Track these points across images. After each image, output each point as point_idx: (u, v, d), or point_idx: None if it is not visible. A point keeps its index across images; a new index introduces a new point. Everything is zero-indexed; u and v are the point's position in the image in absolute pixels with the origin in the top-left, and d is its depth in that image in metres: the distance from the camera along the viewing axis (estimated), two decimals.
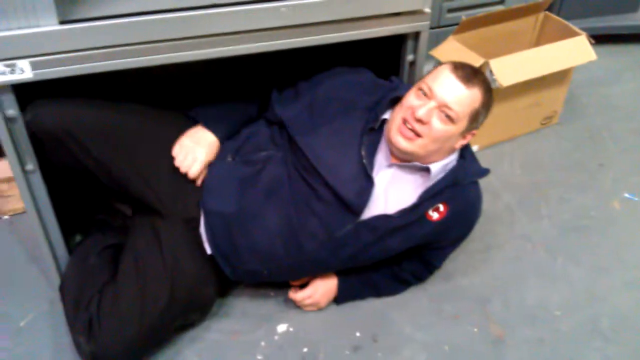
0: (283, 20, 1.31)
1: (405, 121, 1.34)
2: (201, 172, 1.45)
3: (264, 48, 1.34)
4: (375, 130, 1.41)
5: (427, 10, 1.44)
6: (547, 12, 2.27)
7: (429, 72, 1.40)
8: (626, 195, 1.99)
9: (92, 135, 1.35)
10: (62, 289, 1.43)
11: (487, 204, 1.90)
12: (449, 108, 1.31)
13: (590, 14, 2.76)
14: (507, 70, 1.93)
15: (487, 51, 1.98)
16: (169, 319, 1.36)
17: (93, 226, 1.60)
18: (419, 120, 1.32)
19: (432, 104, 1.32)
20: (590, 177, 2.08)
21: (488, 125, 2.08)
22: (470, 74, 1.34)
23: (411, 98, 1.36)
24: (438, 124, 1.33)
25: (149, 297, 1.33)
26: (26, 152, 1.30)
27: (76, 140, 1.33)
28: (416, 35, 1.50)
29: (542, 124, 2.28)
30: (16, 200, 1.77)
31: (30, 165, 1.32)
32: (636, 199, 1.98)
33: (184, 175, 1.43)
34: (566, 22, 2.18)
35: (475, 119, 1.37)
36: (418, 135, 1.33)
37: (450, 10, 2.34)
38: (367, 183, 1.36)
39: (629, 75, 2.68)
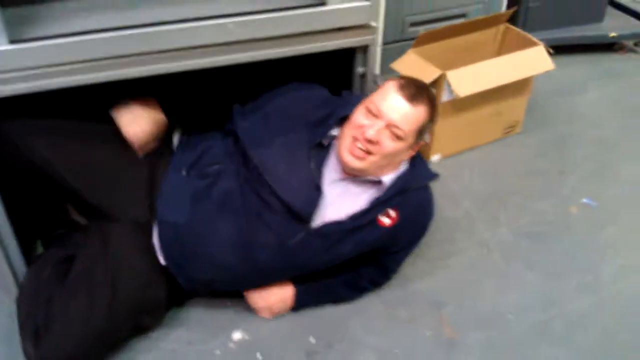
0: (230, 36, 1.35)
1: (355, 139, 1.39)
2: (142, 140, 1.50)
3: (213, 63, 1.38)
4: (324, 146, 1.47)
5: (374, 24, 1.48)
6: (508, 23, 2.32)
7: (377, 89, 1.45)
8: (584, 200, 2.04)
9: (45, 137, 1.41)
10: (18, 299, 1.46)
11: (447, 211, 1.96)
12: (397, 127, 1.37)
13: (556, 25, 2.81)
14: (465, 81, 1.98)
15: (448, 63, 2.03)
16: (115, 320, 1.38)
17: (53, 239, 1.63)
18: (369, 141, 1.37)
19: (380, 123, 1.38)
20: (550, 184, 2.12)
21: (449, 135, 2.15)
22: (415, 92, 1.40)
23: (360, 117, 1.41)
24: (387, 142, 1.39)
25: (94, 301, 1.36)
26: None
27: (26, 142, 1.39)
28: (365, 49, 1.55)
29: (505, 133, 2.33)
30: None
31: None
32: (594, 204, 2.02)
33: (131, 179, 1.48)
34: (526, 34, 2.24)
35: (422, 133, 1.44)
36: (369, 153, 1.38)
37: (413, 24, 2.38)
38: (316, 193, 1.41)
39: (594, 84, 2.73)
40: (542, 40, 2.18)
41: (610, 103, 2.62)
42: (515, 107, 2.27)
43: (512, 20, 2.42)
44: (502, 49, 2.34)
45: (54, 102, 1.43)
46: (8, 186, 1.44)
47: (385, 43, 2.31)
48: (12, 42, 1.21)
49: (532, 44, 2.18)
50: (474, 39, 2.28)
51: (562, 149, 2.31)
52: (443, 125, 2.10)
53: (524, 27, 2.47)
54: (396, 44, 2.38)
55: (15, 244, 1.48)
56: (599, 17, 2.92)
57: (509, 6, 2.56)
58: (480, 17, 2.31)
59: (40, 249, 1.70)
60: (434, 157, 2.20)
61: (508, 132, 2.33)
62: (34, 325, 1.34)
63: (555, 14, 2.78)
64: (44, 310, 1.36)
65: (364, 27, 1.49)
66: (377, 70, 2.27)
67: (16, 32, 1.22)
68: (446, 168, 2.17)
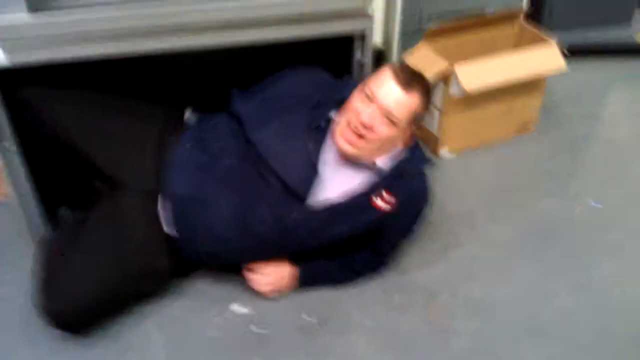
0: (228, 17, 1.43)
1: (349, 123, 1.45)
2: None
3: (211, 43, 1.46)
4: (322, 128, 1.53)
5: (369, 11, 1.53)
6: (525, 21, 2.33)
7: (373, 75, 1.50)
8: (592, 203, 2.04)
9: (63, 105, 1.52)
10: (35, 254, 1.56)
11: (451, 205, 2.00)
12: (390, 113, 1.42)
13: (581, 25, 2.78)
14: (473, 76, 2.00)
15: (461, 58, 2.05)
16: (118, 282, 1.47)
17: (78, 204, 1.75)
18: (363, 125, 1.42)
19: (375, 108, 1.43)
20: (558, 185, 2.14)
21: (459, 130, 2.18)
22: (410, 79, 1.44)
23: (356, 101, 1.46)
24: (381, 127, 1.43)
25: (99, 260, 1.46)
26: (4, 131, 1.44)
27: (46, 109, 1.49)
28: (362, 36, 1.60)
29: (518, 132, 2.34)
30: None
31: (8, 143, 1.46)
32: (600, 206, 2.03)
33: (142, 151, 1.57)
34: (541, 32, 2.24)
35: (415, 120, 1.48)
36: (361, 137, 1.43)
37: (431, 16, 2.41)
38: (312, 171, 1.47)
39: (614, 88, 2.72)
40: (565, 41, 2.16)
41: (629, 108, 2.61)
42: (528, 106, 2.28)
43: (536, 18, 2.40)
44: (518, 46, 2.34)
45: (73, 72, 1.52)
46: (36, 153, 1.55)
47: (404, 34, 2.34)
48: (32, 10, 1.29)
49: (546, 43, 2.19)
50: (490, 35, 2.29)
51: (574, 150, 2.32)
52: (453, 120, 2.13)
53: (548, 27, 2.44)
54: (413, 35, 2.40)
55: (36, 208, 1.60)
56: (627, 19, 2.87)
57: (531, 4, 2.54)
58: (496, 13, 2.32)
59: (64, 214, 1.82)
60: (443, 152, 2.24)
61: (520, 131, 2.35)
62: (44, 277, 1.44)
63: (581, 14, 2.75)
64: (54, 265, 1.46)
65: (360, 15, 1.54)
66: (394, 58, 2.32)
67: (35, 0, 1.30)
68: (454, 163, 2.21)
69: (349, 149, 1.46)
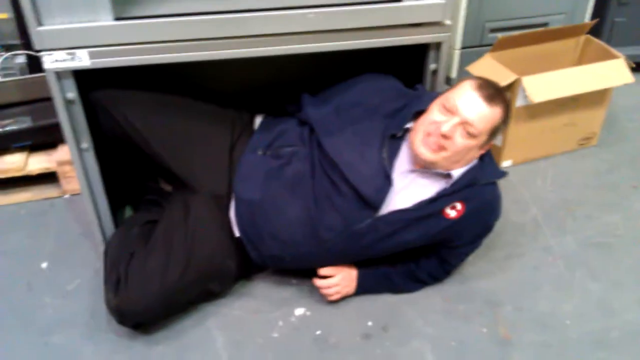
0: (310, 26, 1.45)
1: (428, 135, 1.44)
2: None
3: (293, 50, 1.47)
4: (397, 137, 1.52)
5: (448, 22, 1.54)
6: (589, 35, 2.31)
7: (453, 86, 1.49)
8: None
9: (138, 108, 1.56)
10: (105, 252, 1.61)
11: (514, 215, 1.98)
12: (471, 125, 1.41)
13: None
14: (540, 87, 1.99)
15: (525, 70, 2.05)
16: (187, 282, 1.50)
17: (142, 204, 1.80)
18: (444, 136, 1.42)
19: (455, 120, 1.42)
20: (622, 198, 2.10)
21: (522, 141, 2.16)
22: (493, 93, 1.43)
23: (435, 113, 1.46)
24: (460, 139, 1.43)
25: (171, 261, 1.48)
26: (82, 131, 1.49)
27: (120, 111, 1.54)
28: (438, 45, 1.60)
29: (580, 145, 2.31)
30: (77, 181, 1.97)
31: (85, 144, 1.51)
32: None
33: (213, 155, 1.60)
34: (607, 46, 2.22)
35: (494, 133, 1.47)
36: (442, 148, 1.43)
37: (493, 30, 2.41)
38: (386, 182, 1.46)
39: None
40: (626, 55, 2.15)
41: None
42: (592, 119, 2.25)
43: (596, 34, 2.40)
44: (581, 60, 2.32)
45: (149, 76, 1.57)
46: (105, 153, 1.60)
47: (463, 47, 2.35)
48: (117, 19, 1.35)
49: (612, 56, 2.16)
50: (553, 48, 2.28)
51: (637, 164, 2.27)
52: (516, 131, 2.12)
53: (608, 42, 2.43)
54: (475, 48, 2.41)
55: (106, 206, 1.63)
56: None
57: (593, 18, 2.53)
58: (560, 26, 2.31)
59: (128, 214, 1.86)
60: (506, 163, 2.22)
61: (583, 144, 2.32)
62: (116, 276, 1.48)
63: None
64: (125, 264, 1.49)
65: (438, 24, 1.55)
66: (454, 72, 2.32)
67: (121, 10, 1.35)
68: (517, 174, 2.18)
69: (430, 156, 1.44)
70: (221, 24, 1.39)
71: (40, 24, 1.31)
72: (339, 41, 1.49)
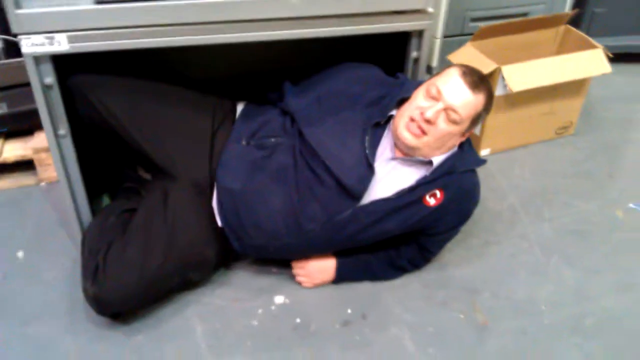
0: (292, 12, 1.44)
1: (412, 120, 1.45)
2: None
3: (275, 37, 1.46)
4: (380, 125, 1.53)
5: (430, 10, 1.54)
6: (569, 25, 2.33)
7: (438, 73, 1.50)
8: (631, 205, 2.03)
9: (116, 94, 1.53)
10: (82, 241, 1.59)
11: (492, 203, 2.00)
12: (455, 112, 1.43)
13: (621, 32, 2.78)
14: (519, 76, 2.01)
15: (505, 59, 2.06)
16: (166, 271, 1.49)
17: (121, 192, 1.77)
18: (427, 121, 1.43)
19: (440, 105, 1.43)
20: (598, 186, 2.13)
21: (501, 130, 2.18)
22: (477, 80, 1.45)
23: (420, 99, 1.47)
24: (443, 125, 1.44)
25: (150, 250, 1.47)
26: (59, 117, 1.46)
27: (98, 97, 1.51)
28: (420, 33, 1.60)
29: (557, 134, 2.34)
30: (53, 169, 1.95)
31: (62, 130, 1.48)
32: None
33: (194, 143, 1.58)
34: (586, 36, 2.24)
35: (476, 120, 1.49)
36: (424, 132, 1.44)
37: (474, 20, 2.42)
38: (368, 171, 1.47)
39: None
40: (604, 46, 2.17)
41: None
42: (569, 108, 2.28)
43: (576, 24, 2.42)
44: (561, 50, 2.35)
45: (129, 62, 1.55)
46: (82, 141, 1.57)
47: (445, 36, 2.35)
48: (98, 2, 1.33)
49: (591, 46, 2.18)
50: (533, 38, 2.29)
51: (613, 153, 2.31)
52: (495, 120, 2.13)
53: (588, 33, 2.46)
54: (456, 37, 2.42)
55: (84, 194, 1.61)
56: None
57: (572, 8, 2.55)
58: (540, 16, 2.32)
59: (106, 203, 1.84)
60: (484, 151, 2.24)
61: (561, 133, 2.35)
62: (94, 265, 1.46)
63: (621, 21, 2.75)
64: (103, 253, 1.48)
65: (420, 12, 1.55)
66: (435, 61, 2.33)
67: None
68: (495, 162, 2.20)
69: (413, 141, 1.45)
70: (203, 8, 1.38)
71: (18, 6, 1.28)
72: (321, 27, 1.48)
